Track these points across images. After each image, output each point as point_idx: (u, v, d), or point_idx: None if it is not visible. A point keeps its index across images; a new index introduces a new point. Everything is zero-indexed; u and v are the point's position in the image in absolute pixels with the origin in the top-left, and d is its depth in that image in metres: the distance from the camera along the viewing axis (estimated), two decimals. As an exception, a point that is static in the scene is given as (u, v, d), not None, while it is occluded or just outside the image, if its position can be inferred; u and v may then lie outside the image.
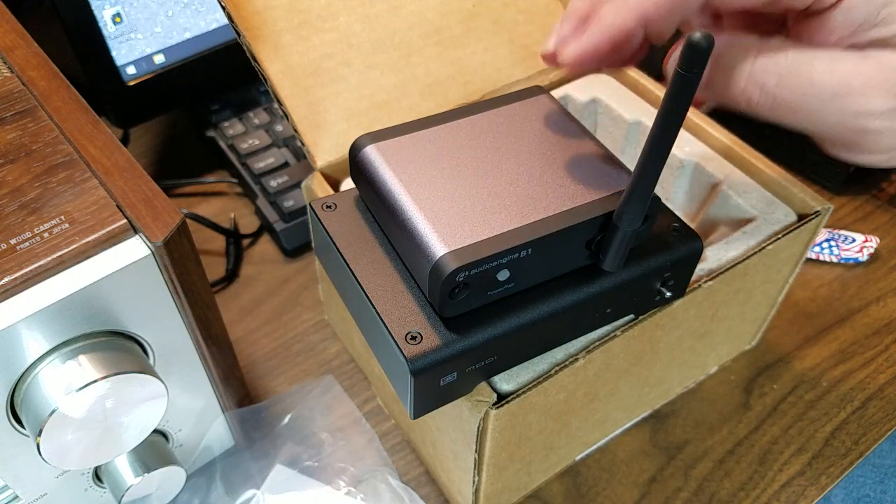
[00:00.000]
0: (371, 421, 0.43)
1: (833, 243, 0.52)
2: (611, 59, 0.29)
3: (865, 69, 0.26)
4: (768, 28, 0.32)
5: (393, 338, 0.27)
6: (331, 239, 0.31)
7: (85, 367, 0.28)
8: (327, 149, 0.39)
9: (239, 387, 0.40)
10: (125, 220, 0.29)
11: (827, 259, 0.52)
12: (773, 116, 0.28)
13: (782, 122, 0.28)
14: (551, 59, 0.30)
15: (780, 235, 0.37)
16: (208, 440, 0.39)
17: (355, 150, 0.30)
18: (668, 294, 0.33)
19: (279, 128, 0.57)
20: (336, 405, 0.43)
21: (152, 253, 0.29)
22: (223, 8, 0.35)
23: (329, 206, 0.32)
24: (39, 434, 0.28)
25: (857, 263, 0.52)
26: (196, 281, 0.32)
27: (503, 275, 0.27)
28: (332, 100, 0.39)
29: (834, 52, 0.27)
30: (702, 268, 0.35)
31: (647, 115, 0.43)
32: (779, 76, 0.27)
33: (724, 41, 0.28)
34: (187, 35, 0.55)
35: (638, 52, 0.30)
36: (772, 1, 0.27)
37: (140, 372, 0.29)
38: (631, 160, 0.44)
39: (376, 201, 0.29)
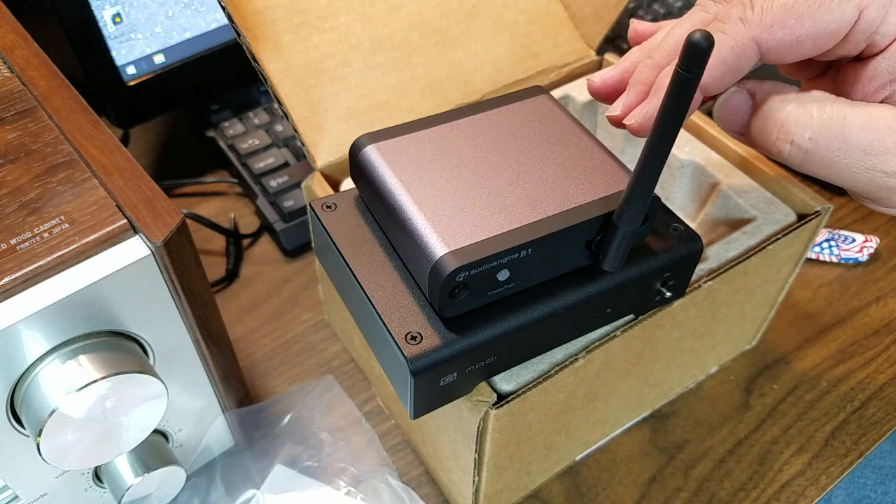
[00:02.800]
0: (371, 421, 0.43)
1: (833, 243, 0.52)
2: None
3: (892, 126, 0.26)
4: (818, 65, 0.32)
5: (393, 338, 0.27)
6: (331, 239, 0.31)
7: (85, 367, 0.28)
8: (327, 149, 0.39)
9: (239, 387, 0.40)
10: (125, 220, 0.29)
11: (827, 259, 0.52)
12: (805, 169, 0.28)
13: (813, 175, 0.28)
14: (617, 122, 0.31)
15: (780, 235, 0.37)
16: (208, 440, 0.39)
17: (355, 150, 0.30)
18: (668, 294, 0.33)
19: (279, 128, 0.57)
20: (336, 405, 0.43)
21: (152, 253, 0.29)
22: (223, 8, 0.35)
23: (329, 206, 0.32)
24: (39, 434, 0.28)
25: (857, 263, 0.52)
26: (196, 281, 0.32)
27: (503, 275, 0.27)
28: (332, 100, 0.39)
29: (868, 108, 0.27)
30: (702, 268, 0.35)
31: (647, 115, 0.43)
32: (812, 130, 0.27)
33: (765, 89, 0.28)
34: (187, 35, 0.55)
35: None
36: (825, 51, 0.28)
37: (140, 372, 0.29)
38: (631, 160, 0.44)
39: (376, 201, 0.29)
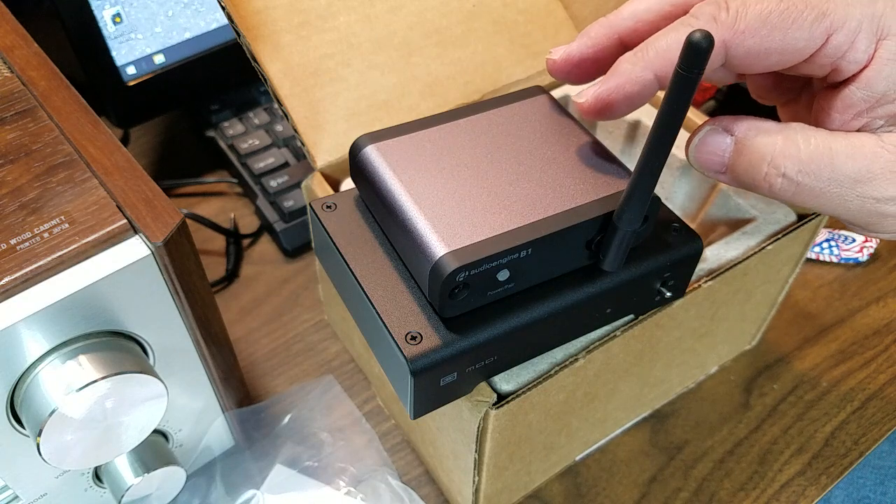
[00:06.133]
0: (371, 421, 0.43)
1: (833, 243, 0.52)
2: (623, 110, 0.29)
3: (884, 154, 0.26)
4: (791, 87, 0.32)
5: (393, 338, 0.27)
6: (331, 239, 0.31)
7: (85, 367, 0.28)
8: (327, 149, 0.39)
9: (239, 387, 0.40)
10: (125, 220, 0.29)
11: (827, 259, 0.52)
12: (796, 201, 0.28)
13: (805, 206, 0.28)
14: (552, 66, 0.30)
15: (780, 235, 0.37)
16: (208, 440, 0.39)
17: (355, 150, 0.30)
18: (668, 294, 0.33)
19: (279, 128, 0.57)
20: (336, 405, 0.43)
21: (152, 253, 0.29)
22: (223, 8, 0.35)
23: (329, 206, 0.32)
24: (39, 434, 0.28)
25: (857, 263, 0.52)
26: (196, 281, 0.32)
27: (503, 275, 0.27)
28: (332, 100, 0.39)
29: (850, 137, 0.27)
30: (702, 268, 0.35)
31: (647, 115, 0.43)
32: (800, 163, 0.27)
33: (744, 126, 0.28)
34: (187, 35, 0.55)
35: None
36: (789, 67, 0.28)
37: (140, 372, 0.29)
38: (631, 160, 0.44)
39: (376, 201, 0.29)
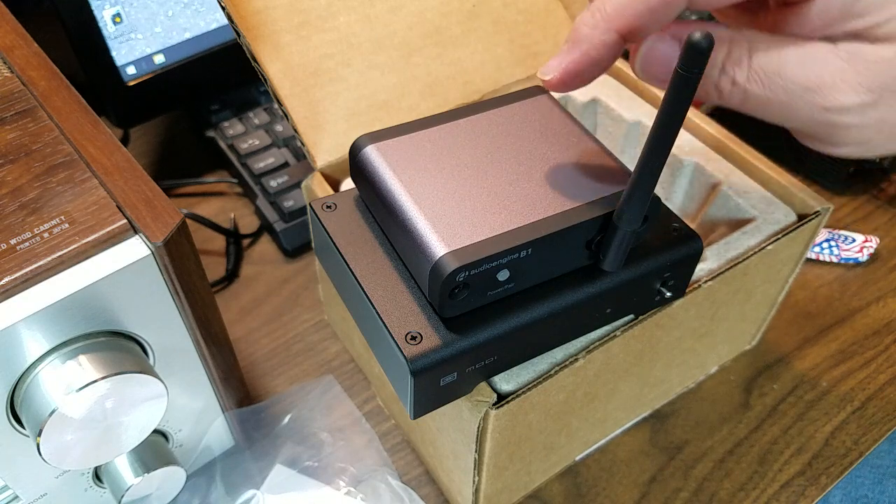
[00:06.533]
0: (371, 421, 0.43)
1: (833, 243, 0.52)
2: (592, 76, 0.28)
3: (837, 62, 0.25)
4: (752, 10, 0.31)
5: (393, 338, 0.27)
6: (331, 239, 0.31)
7: (85, 367, 0.28)
8: (327, 149, 0.39)
9: (239, 387, 0.40)
10: (125, 220, 0.29)
11: (827, 259, 0.52)
12: (746, 110, 0.27)
13: (755, 115, 0.27)
14: (551, 86, 0.29)
15: (780, 235, 0.37)
16: (208, 440, 0.39)
17: (355, 150, 0.30)
18: (668, 294, 0.33)
19: (279, 128, 0.57)
20: (336, 405, 0.43)
21: (152, 253, 0.29)
22: (223, 8, 0.35)
23: (329, 206, 0.32)
24: (39, 434, 0.28)
25: (857, 263, 0.52)
26: (196, 281, 0.32)
27: (503, 275, 0.27)
28: (332, 100, 0.39)
29: (805, 44, 0.26)
30: (702, 268, 0.35)
31: (647, 115, 0.43)
32: (749, 69, 0.26)
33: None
34: (187, 35, 0.55)
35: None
36: None
37: (140, 372, 0.29)
38: (631, 160, 0.44)
39: (376, 201, 0.29)
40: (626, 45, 0.27)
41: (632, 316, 0.33)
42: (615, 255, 0.28)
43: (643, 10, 0.26)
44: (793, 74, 0.25)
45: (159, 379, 0.30)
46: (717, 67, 0.27)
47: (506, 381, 0.31)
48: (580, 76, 0.27)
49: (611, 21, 0.26)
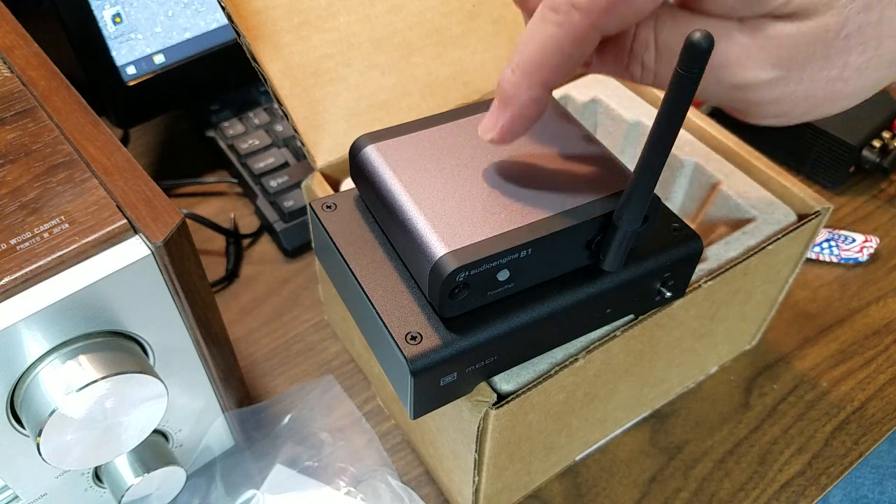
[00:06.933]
0: (371, 421, 0.43)
1: (833, 243, 0.52)
2: (531, 125, 0.28)
3: (743, 39, 0.25)
4: None
5: (393, 338, 0.27)
6: (331, 239, 0.31)
7: (85, 367, 0.28)
8: (327, 149, 0.39)
9: (239, 387, 0.40)
10: (125, 220, 0.29)
11: (827, 259, 0.52)
12: (661, 89, 0.26)
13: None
14: (495, 143, 0.29)
15: (779, 235, 0.37)
16: (208, 440, 0.39)
17: (355, 151, 0.30)
18: (668, 294, 0.33)
19: (279, 128, 0.57)
20: (336, 405, 0.43)
21: (152, 253, 0.29)
22: (223, 8, 0.35)
23: (329, 206, 0.32)
24: (39, 434, 0.28)
25: (857, 263, 0.52)
26: (196, 281, 0.32)
27: (503, 275, 0.27)
28: (332, 100, 0.39)
29: (711, 21, 0.25)
30: (702, 268, 0.35)
31: (647, 115, 0.43)
32: (656, 50, 0.26)
33: None
34: (187, 35, 0.55)
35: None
36: None
37: (140, 372, 0.29)
38: (631, 160, 0.44)
39: (376, 201, 0.29)
40: (554, 89, 0.27)
41: (632, 316, 0.33)
42: (615, 255, 0.28)
43: (558, 61, 0.25)
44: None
45: (159, 379, 0.30)
46: (625, 51, 0.26)
47: (506, 381, 0.31)
48: (517, 131, 0.27)
49: (531, 77, 0.26)
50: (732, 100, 0.26)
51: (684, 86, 0.22)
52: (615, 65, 0.27)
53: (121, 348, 0.30)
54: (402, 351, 0.27)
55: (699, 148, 0.42)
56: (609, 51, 0.27)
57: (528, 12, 0.28)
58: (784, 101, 0.26)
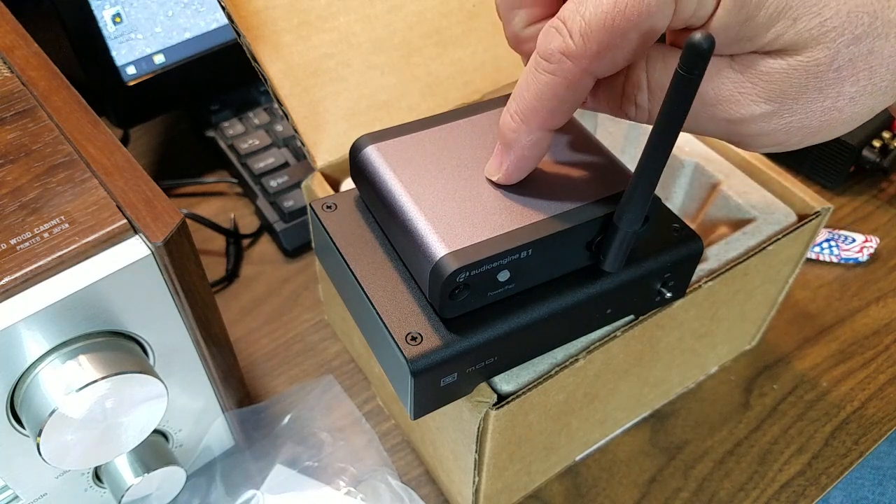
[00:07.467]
0: (371, 421, 0.43)
1: (833, 243, 0.52)
2: (534, 164, 0.28)
3: (734, 76, 0.25)
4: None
5: (393, 338, 0.27)
6: (331, 239, 0.31)
7: (85, 367, 0.28)
8: (327, 149, 0.39)
9: (239, 387, 0.40)
10: (125, 221, 0.29)
11: (827, 259, 0.52)
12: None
13: None
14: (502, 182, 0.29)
15: (780, 236, 0.37)
16: (208, 440, 0.39)
17: (355, 151, 0.30)
18: (669, 294, 0.33)
19: (279, 128, 0.57)
20: (336, 405, 0.43)
21: (152, 253, 0.29)
22: (223, 8, 0.35)
23: (329, 207, 0.32)
24: (39, 434, 0.28)
25: (857, 263, 0.52)
26: (196, 281, 0.32)
27: (503, 275, 0.27)
28: (332, 100, 0.39)
29: None
30: (702, 268, 0.35)
31: (647, 116, 0.43)
32: (649, 91, 0.26)
33: None
34: (187, 35, 0.55)
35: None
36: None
37: (140, 372, 0.29)
38: (631, 160, 0.44)
39: (376, 202, 0.29)
40: (554, 129, 0.27)
41: (632, 316, 0.33)
42: (615, 255, 0.28)
43: (554, 106, 0.26)
44: None
45: (159, 379, 0.30)
46: (619, 92, 0.27)
47: (506, 382, 0.31)
48: (523, 171, 0.28)
49: (530, 123, 0.26)
50: (728, 133, 0.27)
51: (685, 87, 0.22)
52: (609, 105, 0.28)
53: (121, 348, 0.30)
54: (402, 351, 0.27)
55: (699, 148, 0.42)
56: (603, 92, 0.28)
57: (524, 55, 0.29)
58: (779, 132, 0.26)
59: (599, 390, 0.36)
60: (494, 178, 0.29)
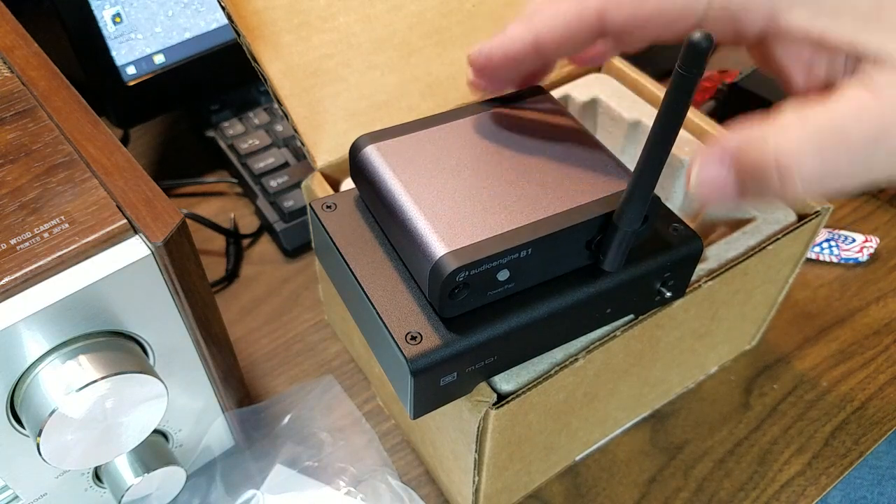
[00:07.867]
0: (371, 421, 0.43)
1: (833, 243, 0.52)
2: (504, 71, 0.29)
3: (888, 100, 0.23)
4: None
5: (393, 338, 0.27)
6: (331, 239, 0.31)
7: (85, 367, 0.28)
8: (327, 149, 0.39)
9: (239, 387, 0.40)
10: (125, 221, 0.29)
11: (827, 259, 0.52)
12: (828, 193, 0.24)
13: (840, 193, 0.24)
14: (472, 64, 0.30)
15: (780, 235, 0.37)
16: (208, 440, 0.39)
17: (355, 150, 0.30)
18: (668, 294, 0.33)
19: (279, 128, 0.57)
20: (336, 405, 0.43)
21: (152, 253, 0.29)
22: (223, 8, 0.35)
23: (329, 206, 0.32)
24: (39, 434, 0.28)
25: (857, 263, 0.52)
26: (196, 281, 0.32)
27: (503, 275, 0.27)
28: (332, 100, 0.39)
29: (843, 98, 0.23)
30: (702, 268, 0.35)
31: (647, 115, 0.43)
32: (810, 152, 0.23)
33: (731, 140, 0.25)
34: (187, 35, 0.55)
35: (538, 74, 0.30)
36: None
37: (140, 372, 0.29)
38: (631, 160, 0.44)
39: (376, 201, 0.29)
40: (539, 55, 0.28)
41: (632, 316, 0.33)
42: (615, 255, 0.28)
43: (562, 28, 0.26)
44: (859, 133, 0.23)
45: (159, 379, 0.30)
46: (772, 167, 0.23)
47: (506, 381, 0.31)
48: (492, 62, 0.28)
49: (533, 27, 0.27)
50: None
51: (684, 85, 0.22)
52: (764, 187, 0.24)
53: (121, 348, 0.30)
54: (402, 351, 0.27)
55: (699, 148, 0.42)
56: (750, 178, 0.24)
57: (481, 76, 0.30)
58: None
59: (599, 390, 0.36)
60: (471, 53, 0.28)
